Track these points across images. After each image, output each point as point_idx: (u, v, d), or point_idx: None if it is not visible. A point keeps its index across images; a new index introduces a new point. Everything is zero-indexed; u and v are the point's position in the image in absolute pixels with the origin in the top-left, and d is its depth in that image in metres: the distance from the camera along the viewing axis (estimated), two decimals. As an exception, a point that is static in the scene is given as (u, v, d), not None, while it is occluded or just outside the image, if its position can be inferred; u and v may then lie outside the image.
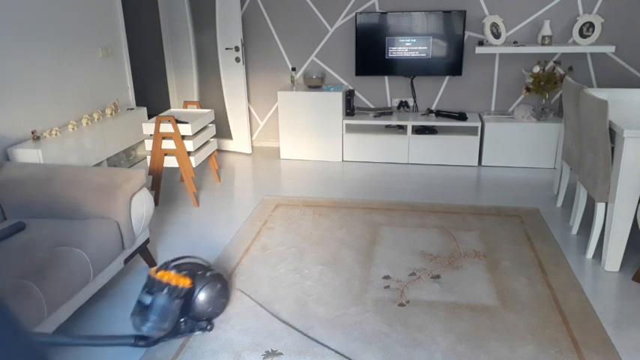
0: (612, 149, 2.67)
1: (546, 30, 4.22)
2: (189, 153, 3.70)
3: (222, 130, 5.00)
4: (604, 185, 2.70)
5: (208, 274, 2.32)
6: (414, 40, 4.44)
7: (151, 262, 2.85)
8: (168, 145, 3.66)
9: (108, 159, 4.11)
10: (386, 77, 4.76)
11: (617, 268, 2.73)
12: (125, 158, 4.42)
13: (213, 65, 4.83)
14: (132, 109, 4.60)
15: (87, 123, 3.94)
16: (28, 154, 3.29)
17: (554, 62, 4.41)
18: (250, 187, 4.11)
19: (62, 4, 3.79)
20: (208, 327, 2.28)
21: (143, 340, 2.11)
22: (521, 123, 4.28)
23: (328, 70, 4.84)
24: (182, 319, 2.24)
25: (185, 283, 2.16)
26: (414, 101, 4.76)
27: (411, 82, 4.70)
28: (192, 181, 3.71)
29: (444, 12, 4.33)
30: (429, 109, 4.68)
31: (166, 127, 3.59)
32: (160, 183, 3.74)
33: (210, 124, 4.07)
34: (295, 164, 4.63)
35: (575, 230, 3.17)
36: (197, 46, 4.92)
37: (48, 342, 1.79)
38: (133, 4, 6.02)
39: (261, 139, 5.23)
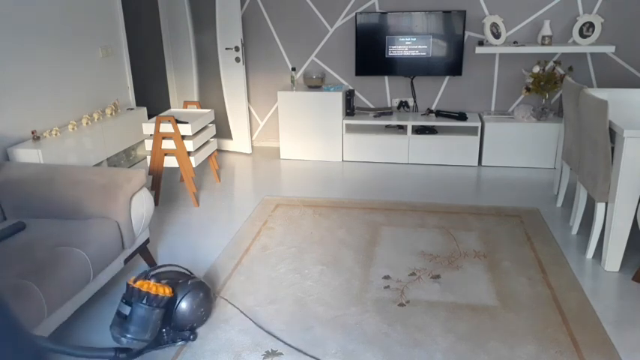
0: (612, 149, 2.67)
1: (546, 30, 4.22)
2: (189, 153, 3.69)
3: (222, 130, 5.00)
4: (604, 185, 2.70)
5: (190, 282, 2.27)
6: (414, 40, 4.44)
7: (151, 262, 2.85)
8: (168, 145, 3.66)
9: (108, 159, 4.11)
10: (386, 77, 4.76)
11: (617, 268, 2.73)
12: (125, 158, 4.42)
13: (213, 65, 4.83)
14: (132, 109, 4.60)
15: (87, 123, 3.94)
16: (28, 154, 3.29)
17: (554, 62, 4.41)
18: (250, 187, 4.11)
19: (63, 4, 3.79)
20: (192, 337, 2.22)
21: (124, 353, 2.05)
22: (521, 123, 4.28)
23: (328, 70, 4.84)
24: (164, 330, 2.19)
25: (165, 292, 2.11)
26: (414, 101, 4.76)
27: (411, 82, 4.70)
28: (192, 181, 3.71)
29: (444, 12, 4.34)
30: (429, 109, 4.68)
31: (166, 127, 3.59)
32: (160, 183, 3.74)
33: (210, 124, 4.07)
34: (295, 164, 4.63)
35: (575, 230, 3.17)
36: (197, 46, 4.92)
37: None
38: (133, 4, 6.02)
39: (261, 139, 5.23)
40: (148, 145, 3.74)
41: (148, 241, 2.81)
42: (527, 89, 4.35)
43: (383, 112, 4.70)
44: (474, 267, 2.79)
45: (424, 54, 4.46)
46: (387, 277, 2.70)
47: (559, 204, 3.58)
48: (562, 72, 4.41)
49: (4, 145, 3.31)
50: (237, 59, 4.62)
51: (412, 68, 4.53)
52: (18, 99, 3.40)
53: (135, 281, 2.10)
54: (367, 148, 4.58)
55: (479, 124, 4.35)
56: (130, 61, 4.76)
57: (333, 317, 2.37)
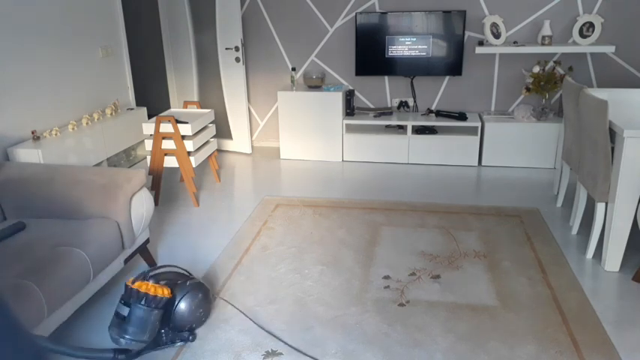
0: (612, 149, 2.67)
1: (546, 30, 4.22)
2: (189, 153, 3.70)
3: (222, 130, 5.00)
4: (604, 185, 2.70)
5: (189, 283, 2.26)
6: (414, 40, 4.44)
7: (151, 262, 2.85)
8: (168, 145, 3.66)
9: (108, 159, 4.11)
10: (386, 77, 4.76)
11: (617, 268, 2.73)
12: (125, 158, 4.42)
13: (213, 65, 4.83)
14: (132, 109, 4.60)
15: (87, 123, 3.95)
16: (28, 154, 3.29)
17: (554, 62, 4.41)
18: (250, 187, 4.11)
19: (63, 4, 3.79)
20: (190, 337, 2.22)
21: (123, 354, 2.06)
22: (521, 123, 4.28)
23: (328, 70, 4.84)
24: (163, 330, 2.19)
25: (164, 292, 2.11)
26: (414, 101, 4.76)
27: (411, 82, 4.70)
28: (192, 181, 3.71)
29: (444, 12, 4.34)
30: (428, 109, 4.68)
31: (166, 127, 3.59)
32: (160, 183, 3.74)
33: (210, 124, 4.07)
34: (295, 164, 4.63)
35: (575, 230, 3.17)
36: (197, 46, 4.92)
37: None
38: (133, 4, 6.02)
39: (261, 139, 5.23)
40: (148, 145, 3.74)
41: (147, 241, 2.81)
42: (527, 89, 4.35)
43: (383, 112, 4.70)
44: (474, 267, 2.79)
45: (424, 54, 4.46)
46: (387, 277, 2.70)
47: (559, 204, 3.58)
48: (562, 72, 4.41)
49: (4, 145, 3.31)
50: (237, 59, 4.62)
51: (412, 68, 4.53)
52: (18, 99, 3.40)
53: (133, 282, 2.10)
54: (367, 148, 4.59)
55: (479, 124, 4.35)
56: (130, 61, 4.76)
57: (333, 317, 2.37)
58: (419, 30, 4.41)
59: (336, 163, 4.62)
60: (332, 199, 3.77)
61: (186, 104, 4.12)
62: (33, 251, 2.15)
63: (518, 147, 4.33)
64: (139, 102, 5.66)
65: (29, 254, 2.12)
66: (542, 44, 4.25)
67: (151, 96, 6.28)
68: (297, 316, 2.39)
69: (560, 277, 2.68)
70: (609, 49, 4.12)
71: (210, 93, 4.99)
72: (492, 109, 4.68)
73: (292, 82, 4.69)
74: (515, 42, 4.38)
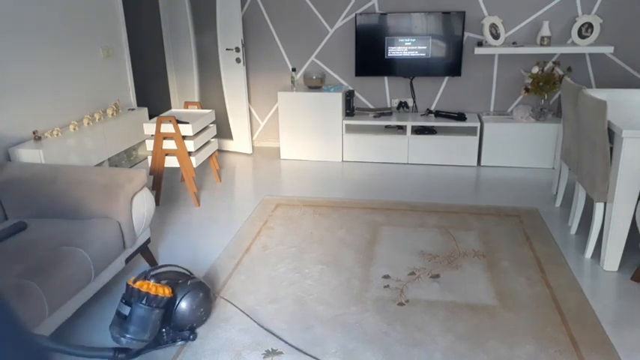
0: (611, 149, 2.68)
1: (545, 31, 4.24)
2: (190, 153, 3.71)
3: (223, 131, 5.01)
4: (603, 185, 2.71)
5: (189, 282, 2.27)
6: (414, 41, 4.45)
7: (152, 262, 2.86)
8: (169, 145, 3.67)
9: (109, 159, 4.12)
10: (385, 78, 4.77)
11: (615, 268, 2.74)
12: (126, 158, 4.43)
13: (213, 66, 4.84)
14: (133, 109, 4.61)
15: (88, 123, 3.96)
16: (29, 154, 3.30)
17: (553, 63, 4.42)
18: (251, 187, 4.12)
19: (63, 4, 3.80)
20: (191, 337, 2.22)
21: (123, 353, 2.06)
22: (520, 123, 4.30)
23: (328, 70, 4.86)
24: (164, 330, 2.20)
25: (165, 292, 2.12)
26: (414, 102, 4.77)
27: (411, 83, 4.72)
28: (193, 181, 3.72)
29: (444, 13, 4.35)
30: (428, 109, 4.69)
31: (167, 128, 3.60)
32: (161, 183, 3.75)
33: (211, 125, 4.08)
34: (295, 164, 4.64)
35: (574, 230, 3.18)
36: (198, 46, 4.93)
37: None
38: (134, 4, 6.03)
39: (262, 140, 5.25)
40: (149, 145, 3.75)
41: (148, 240, 2.82)
42: (526, 90, 4.36)
43: (383, 112, 4.71)
44: (474, 266, 2.80)
45: (423, 55, 4.47)
46: (386, 277, 2.71)
47: (558, 204, 3.59)
48: (561, 72, 4.42)
49: (5, 145, 3.32)
50: (238, 60, 4.64)
51: (412, 69, 4.55)
52: (19, 99, 3.41)
53: (134, 281, 2.11)
54: (367, 148, 4.60)
55: (478, 125, 4.37)
56: (131, 61, 4.77)
57: (333, 316, 2.39)
58: (418, 31, 4.42)
59: (336, 163, 4.63)
60: (332, 199, 3.79)
61: (186, 104, 4.13)
62: (34, 251, 2.16)
63: (517, 147, 4.34)
64: (140, 102, 5.67)
65: (30, 254, 2.13)
66: (541, 45, 4.26)
67: (152, 96, 6.30)
68: (297, 315, 2.40)
69: (559, 276, 2.69)
70: (608, 50, 4.13)
71: (210, 93, 5.00)
72: (491, 109, 4.69)
73: (292, 82, 4.70)
74: (514, 43, 4.39)
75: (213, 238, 3.22)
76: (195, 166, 3.70)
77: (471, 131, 4.47)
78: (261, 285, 2.66)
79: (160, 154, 3.69)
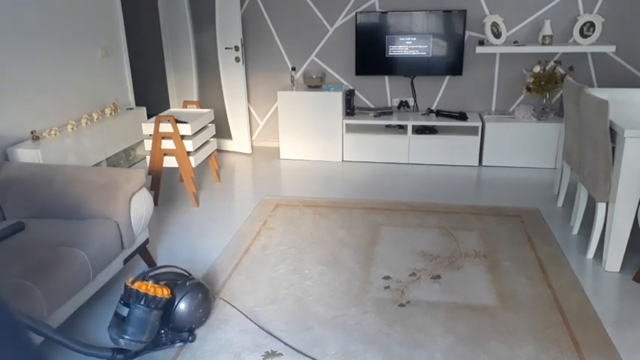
0: (613, 149, 2.66)
1: (547, 30, 4.22)
2: (188, 153, 3.69)
3: (222, 130, 4.99)
4: (605, 185, 2.69)
5: (188, 283, 2.26)
6: (415, 40, 4.43)
7: (151, 262, 2.85)
8: (167, 145, 3.65)
9: (107, 159, 4.11)
10: (386, 77, 4.76)
11: (617, 269, 2.73)
12: (124, 158, 4.41)
13: (212, 65, 4.82)
14: (131, 108, 4.59)
15: (86, 123, 3.94)
16: (27, 154, 3.29)
17: (555, 62, 4.41)
18: (250, 187, 4.11)
19: (63, 4, 3.78)
20: (190, 338, 2.21)
21: (122, 354, 2.05)
22: (521, 123, 4.28)
23: (328, 69, 4.84)
24: (162, 331, 2.18)
25: (164, 293, 2.11)
26: (415, 101, 4.75)
27: (412, 82, 4.70)
28: (192, 181, 3.70)
29: (445, 11, 4.33)
30: (429, 108, 4.67)
31: (166, 127, 3.59)
32: (160, 183, 3.74)
33: (210, 124, 4.07)
34: (295, 164, 4.63)
35: (575, 230, 3.17)
36: (197, 45, 4.91)
37: (31, 326, 1.77)
38: (133, 4, 6.01)
39: (261, 139, 5.23)
40: (148, 145, 3.73)
41: (147, 241, 2.81)
42: (528, 89, 4.34)
43: (383, 111, 4.69)
44: (475, 267, 2.78)
45: (424, 54, 4.45)
46: (387, 278, 2.69)
47: (559, 204, 3.57)
48: (562, 72, 4.40)
49: (3, 145, 3.30)
50: (237, 59, 4.62)
51: (412, 68, 4.53)
52: (17, 99, 3.40)
53: (133, 282, 2.09)
54: (367, 148, 4.58)
55: (479, 124, 4.35)
56: (130, 61, 4.76)
57: (333, 317, 2.37)
58: (419, 29, 4.40)
59: (336, 163, 4.62)
60: (332, 199, 3.77)
61: (185, 104, 4.11)
62: (32, 251, 2.14)
63: (519, 147, 4.32)
64: (139, 102, 5.66)
65: (29, 254, 2.12)
66: (543, 44, 4.24)
67: (151, 96, 6.28)
68: (297, 316, 2.39)
69: (561, 277, 2.67)
70: (610, 49, 4.12)
71: (209, 93, 4.99)
72: (493, 108, 4.67)
73: (292, 81, 4.68)
74: (515, 42, 4.37)
75: (212, 239, 3.20)
76: (194, 165, 3.68)
77: (472, 131, 4.45)
78: (260, 286, 2.65)
79: (158, 153, 3.67)
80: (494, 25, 4.32)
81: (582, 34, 4.23)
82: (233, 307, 2.46)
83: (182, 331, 2.22)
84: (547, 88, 4.25)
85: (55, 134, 3.58)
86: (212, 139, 4.08)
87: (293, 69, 4.72)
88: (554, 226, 3.26)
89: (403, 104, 4.76)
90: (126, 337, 2.03)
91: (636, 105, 3.10)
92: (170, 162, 3.70)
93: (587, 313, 2.37)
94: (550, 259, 2.86)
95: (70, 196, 2.50)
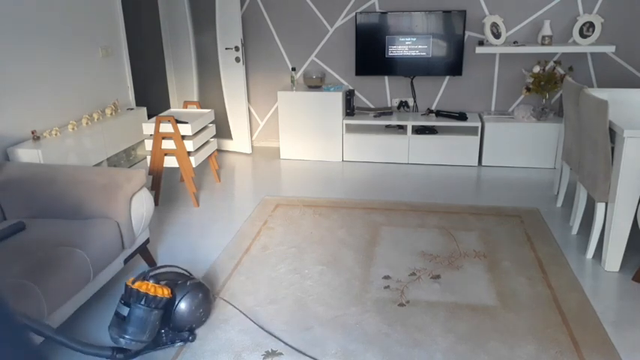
0: (612, 149, 2.67)
1: (546, 30, 4.22)
2: (189, 153, 3.69)
3: (222, 130, 5.00)
4: (604, 185, 2.70)
5: (189, 283, 2.26)
6: (414, 40, 4.44)
7: (151, 262, 2.85)
8: (168, 145, 3.65)
9: (108, 159, 4.11)
10: (386, 77, 4.76)
11: (617, 268, 2.73)
12: (125, 158, 4.42)
13: (213, 65, 4.83)
14: (132, 109, 4.60)
15: (87, 123, 3.94)
16: (28, 154, 3.29)
17: (555, 62, 4.41)
18: (250, 187, 4.11)
19: (63, 4, 3.79)
20: (190, 338, 2.21)
21: (122, 353, 2.06)
22: (521, 123, 4.28)
23: (328, 70, 4.84)
24: (163, 330, 2.19)
25: (164, 293, 2.11)
26: (414, 101, 4.76)
27: (411, 82, 4.70)
28: (192, 181, 3.71)
29: (444, 12, 4.33)
30: (429, 109, 4.68)
31: (166, 127, 3.59)
32: (160, 183, 3.74)
33: (210, 124, 4.07)
34: (295, 164, 4.63)
35: (575, 230, 3.17)
36: (197, 46, 4.92)
37: (31, 326, 1.77)
38: (133, 4, 6.02)
39: (261, 139, 5.23)
40: (148, 145, 3.74)
41: (148, 241, 2.81)
42: (528, 89, 4.35)
43: (383, 112, 4.69)
44: (474, 267, 2.79)
45: (424, 54, 4.46)
46: (387, 277, 2.70)
47: (559, 204, 3.58)
48: (562, 72, 4.41)
49: (4, 145, 3.31)
50: (237, 59, 4.62)
51: (412, 68, 4.53)
52: (18, 99, 3.40)
53: (133, 282, 2.10)
54: (367, 148, 4.58)
55: (479, 124, 4.35)
56: (130, 61, 4.76)
57: (333, 317, 2.37)
58: (419, 30, 4.41)
59: (336, 163, 4.62)
60: (332, 199, 3.77)
61: (186, 104, 4.12)
62: (33, 251, 2.14)
63: (519, 147, 4.33)
64: (139, 102, 5.66)
65: (29, 254, 2.12)
66: (543, 44, 4.25)
67: (151, 96, 6.29)
68: (297, 316, 2.39)
69: (560, 277, 2.68)
70: (609, 49, 4.12)
71: (210, 93, 4.99)
72: (492, 109, 4.68)
73: (292, 82, 4.69)
74: (515, 42, 4.38)
75: (212, 239, 3.21)
76: (194, 166, 3.69)
77: (471, 131, 4.45)
78: (260, 285, 2.65)
79: (159, 153, 3.67)
80: (494, 25, 4.32)
81: (582, 35, 4.23)
82: (233, 306, 2.46)
83: (182, 331, 2.23)
84: (547, 89, 4.26)
85: (56, 134, 3.58)
86: (212, 139, 4.09)
87: (293, 69, 4.73)
88: (553, 226, 3.26)
89: (403, 104, 4.77)
90: (126, 336, 2.03)
91: (636, 105, 3.11)
92: (170, 162, 3.70)
93: (587, 312, 2.37)
94: (550, 259, 2.86)
95: (70, 196, 2.50)
